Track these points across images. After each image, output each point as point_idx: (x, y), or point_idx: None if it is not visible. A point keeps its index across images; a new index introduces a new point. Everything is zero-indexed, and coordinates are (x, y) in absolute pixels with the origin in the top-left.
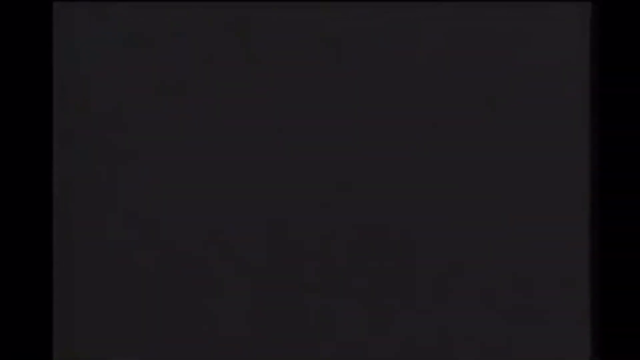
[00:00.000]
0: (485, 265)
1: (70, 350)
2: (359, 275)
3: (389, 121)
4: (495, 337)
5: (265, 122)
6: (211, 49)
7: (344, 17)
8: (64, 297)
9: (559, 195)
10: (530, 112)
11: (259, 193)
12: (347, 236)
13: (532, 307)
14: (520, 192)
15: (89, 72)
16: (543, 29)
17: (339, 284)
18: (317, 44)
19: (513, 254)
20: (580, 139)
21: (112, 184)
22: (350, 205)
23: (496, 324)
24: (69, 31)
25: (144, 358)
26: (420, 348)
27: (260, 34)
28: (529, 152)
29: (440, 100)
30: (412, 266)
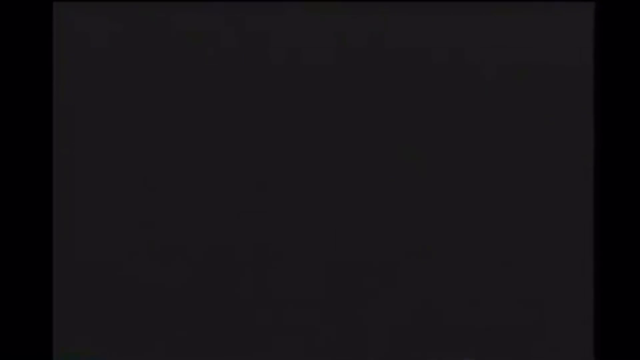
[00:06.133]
0: (487, 265)
1: (70, 350)
2: None
3: (394, 123)
4: (497, 338)
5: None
6: (211, 49)
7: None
8: (64, 296)
9: (561, 196)
10: (534, 110)
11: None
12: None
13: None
14: (524, 193)
15: (88, 72)
16: (547, 28)
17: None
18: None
19: (514, 255)
20: (583, 138)
21: (111, 184)
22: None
23: (497, 324)
24: (69, 31)
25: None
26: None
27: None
28: (532, 150)
29: (444, 101)
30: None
